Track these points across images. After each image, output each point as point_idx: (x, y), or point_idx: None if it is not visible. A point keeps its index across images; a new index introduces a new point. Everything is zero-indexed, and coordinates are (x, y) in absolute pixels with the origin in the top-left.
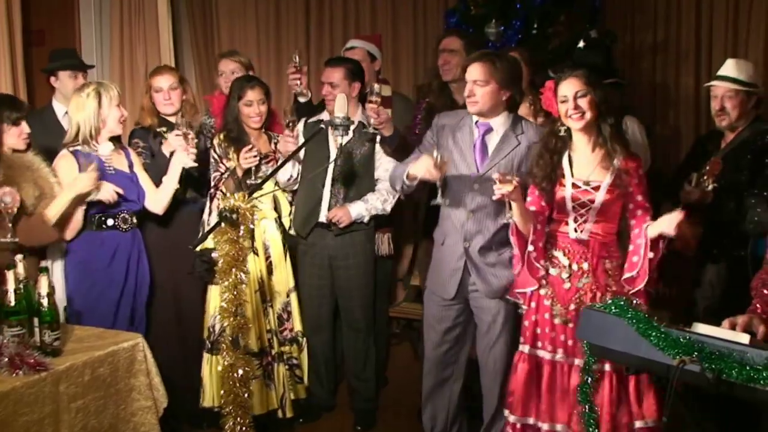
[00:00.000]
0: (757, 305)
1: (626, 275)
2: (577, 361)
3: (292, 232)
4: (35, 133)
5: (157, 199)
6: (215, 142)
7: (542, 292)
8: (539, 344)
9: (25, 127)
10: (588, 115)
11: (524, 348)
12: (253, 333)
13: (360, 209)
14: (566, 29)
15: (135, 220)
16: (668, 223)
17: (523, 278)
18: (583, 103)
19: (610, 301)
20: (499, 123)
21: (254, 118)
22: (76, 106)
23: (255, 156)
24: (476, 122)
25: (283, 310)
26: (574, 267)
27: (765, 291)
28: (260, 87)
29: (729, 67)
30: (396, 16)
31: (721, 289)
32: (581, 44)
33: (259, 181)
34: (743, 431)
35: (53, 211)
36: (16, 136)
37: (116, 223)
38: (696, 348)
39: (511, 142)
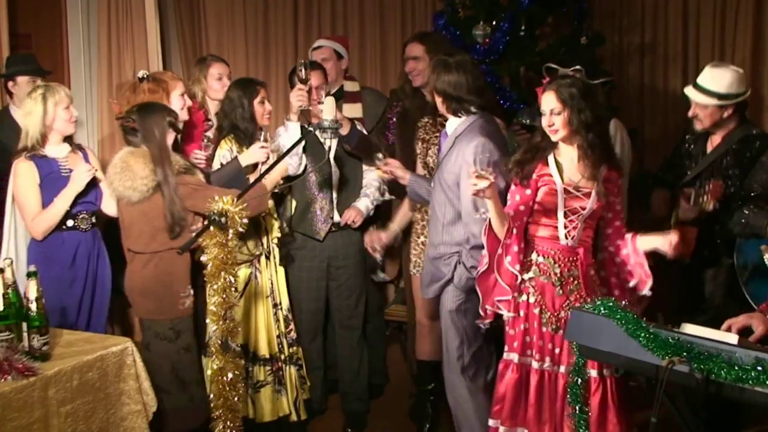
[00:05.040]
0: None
1: (632, 282)
2: (563, 369)
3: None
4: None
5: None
6: (224, 147)
7: (531, 300)
8: (528, 352)
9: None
10: (561, 133)
11: (512, 356)
12: (264, 339)
13: (366, 204)
14: (554, 31)
15: (94, 220)
16: (664, 242)
17: (499, 287)
18: (557, 120)
19: (599, 303)
20: (449, 126)
21: (267, 116)
22: (23, 111)
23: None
24: None
25: (289, 311)
26: (566, 273)
27: None
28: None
29: (705, 77)
30: (384, 19)
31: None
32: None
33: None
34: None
35: (270, 181)
36: (170, 141)
37: (76, 224)
38: (685, 348)
39: (448, 146)
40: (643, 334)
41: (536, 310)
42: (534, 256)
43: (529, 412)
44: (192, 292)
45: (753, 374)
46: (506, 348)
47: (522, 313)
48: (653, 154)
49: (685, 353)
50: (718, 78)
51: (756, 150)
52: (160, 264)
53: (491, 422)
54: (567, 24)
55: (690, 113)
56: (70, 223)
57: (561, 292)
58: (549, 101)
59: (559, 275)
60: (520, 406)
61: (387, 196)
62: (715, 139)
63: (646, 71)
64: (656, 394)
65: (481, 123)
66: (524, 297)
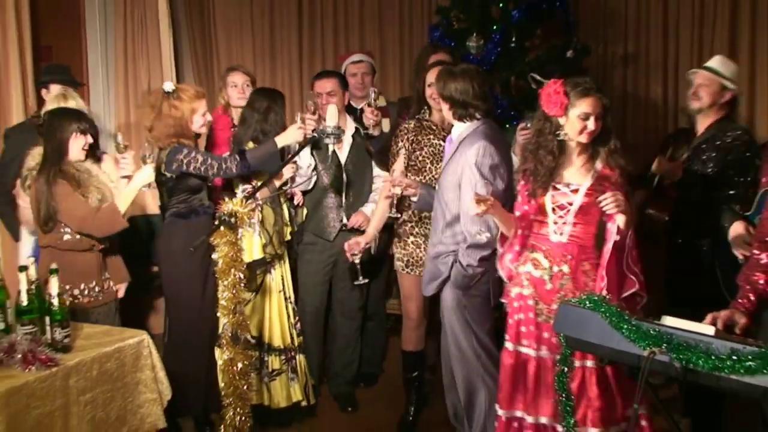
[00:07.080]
0: (740, 300)
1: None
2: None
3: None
4: (27, 145)
5: None
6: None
7: (525, 292)
8: (524, 342)
9: (89, 138)
10: (595, 134)
11: (509, 345)
12: (277, 331)
13: (373, 209)
14: (542, 42)
15: None
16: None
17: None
18: (599, 124)
19: (585, 297)
20: (454, 132)
21: None
22: None
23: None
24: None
25: (296, 303)
26: (555, 269)
27: (747, 287)
28: None
29: (715, 61)
30: (383, 31)
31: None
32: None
33: (257, 186)
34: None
35: (124, 203)
36: (80, 146)
37: None
38: (665, 339)
39: (452, 151)
40: (625, 326)
41: (531, 302)
42: (530, 251)
43: (527, 398)
44: (89, 294)
45: (728, 363)
46: (506, 337)
47: (516, 305)
48: (634, 158)
49: (665, 344)
50: (725, 63)
51: (731, 137)
52: (44, 259)
53: (497, 408)
54: (555, 36)
55: (691, 91)
56: None
57: (550, 286)
58: (596, 105)
59: (548, 269)
60: (518, 391)
61: (393, 213)
62: (699, 129)
63: (629, 79)
64: (638, 383)
65: (485, 128)
66: (518, 290)
